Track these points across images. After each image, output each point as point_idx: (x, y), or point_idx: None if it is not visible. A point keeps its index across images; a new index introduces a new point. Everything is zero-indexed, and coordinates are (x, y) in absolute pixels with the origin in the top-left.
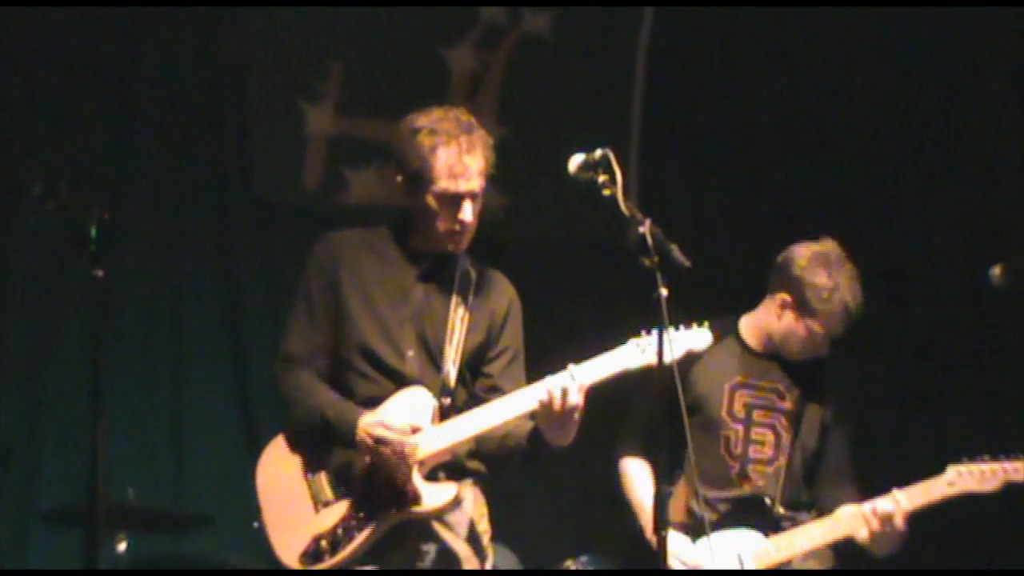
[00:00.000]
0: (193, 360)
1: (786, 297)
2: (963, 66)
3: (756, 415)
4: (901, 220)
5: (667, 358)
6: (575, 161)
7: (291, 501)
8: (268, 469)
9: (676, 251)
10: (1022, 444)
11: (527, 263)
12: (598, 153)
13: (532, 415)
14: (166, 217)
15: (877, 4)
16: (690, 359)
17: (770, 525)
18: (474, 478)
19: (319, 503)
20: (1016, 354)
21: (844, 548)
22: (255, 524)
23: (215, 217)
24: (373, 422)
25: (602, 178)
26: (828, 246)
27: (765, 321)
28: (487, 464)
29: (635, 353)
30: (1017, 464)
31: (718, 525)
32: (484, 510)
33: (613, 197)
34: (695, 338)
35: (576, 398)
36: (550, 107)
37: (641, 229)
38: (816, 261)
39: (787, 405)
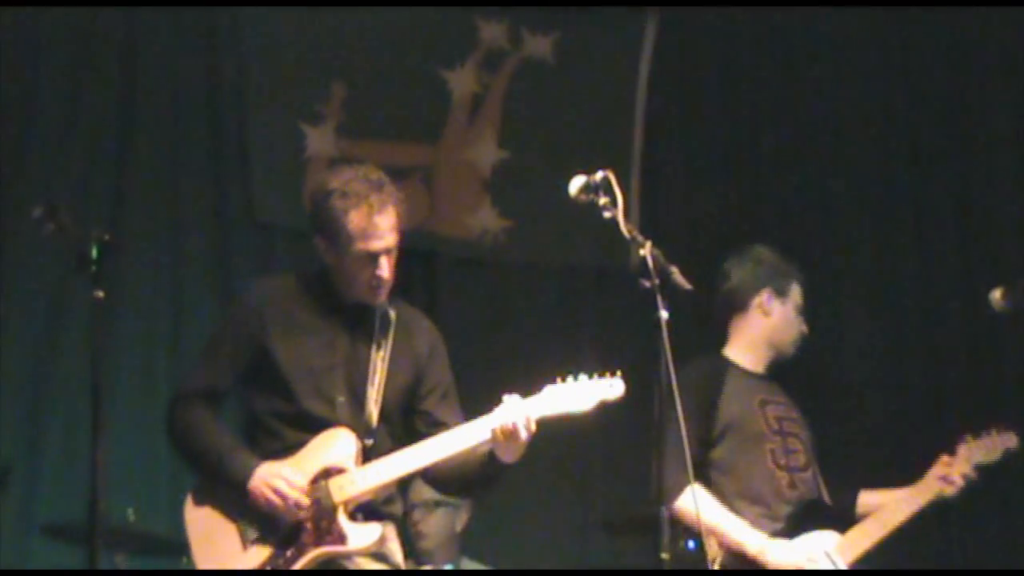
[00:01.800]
0: None
1: (766, 293)
2: (967, 72)
3: (786, 426)
4: (901, 245)
5: (580, 407)
6: (576, 184)
7: (219, 539)
8: (195, 507)
9: (677, 274)
10: None
11: (526, 286)
12: (599, 176)
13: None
14: (166, 238)
15: (882, 22)
16: (720, 378)
17: (829, 524)
18: (394, 522)
19: (247, 540)
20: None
21: None
22: (184, 559)
23: (215, 238)
24: (272, 473)
25: (603, 200)
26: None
27: (754, 335)
28: (447, 493)
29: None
30: (1009, 434)
31: (782, 535)
32: (401, 555)
33: (614, 220)
34: (608, 388)
35: (525, 436)
36: (551, 130)
37: (642, 251)
38: (765, 251)
39: (795, 415)
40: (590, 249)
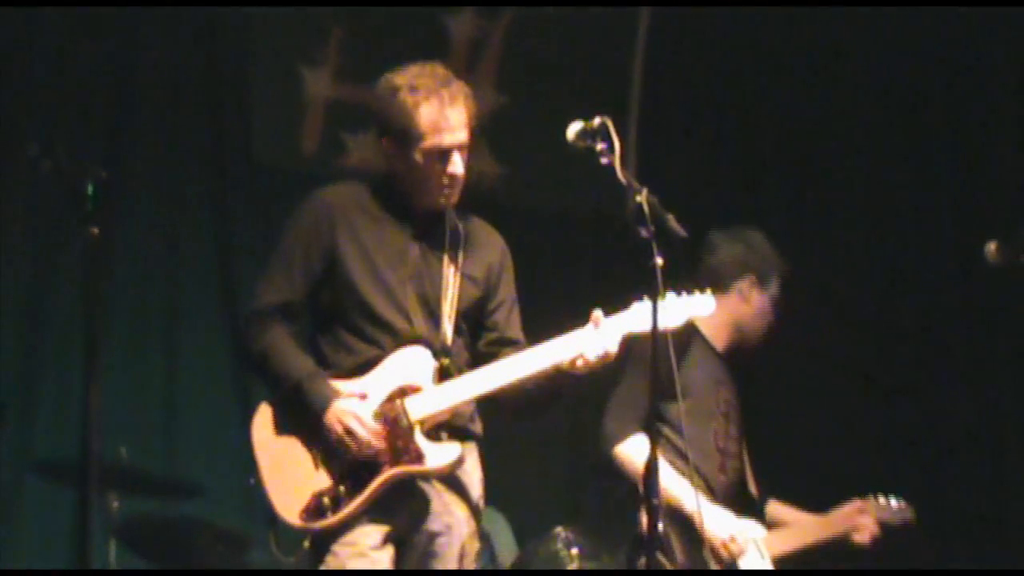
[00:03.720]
0: (188, 321)
1: (749, 280)
2: (968, 20)
3: (731, 412)
4: (900, 197)
5: (672, 323)
6: (573, 129)
7: (289, 458)
8: (264, 426)
9: (673, 221)
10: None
11: (523, 232)
12: (596, 121)
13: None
14: (163, 179)
15: None
16: (688, 340)
17: (751, 517)
18: (475, 441)
19: (318, 460)
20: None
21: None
22: (250, 480)
23: (212, 180)
24: (346, 412)
25: (600, 146)
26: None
27: (726, 317)
28: (510, 414)
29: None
30: (909, 508)
31: None
32: (480, 474)
33: (611, 166)
34: (699, 304)
35: (615, 352)
36: (550, 77)
37: (638, 198)
38: (758, 236)
39: (737, 403)
40: (586, 196)
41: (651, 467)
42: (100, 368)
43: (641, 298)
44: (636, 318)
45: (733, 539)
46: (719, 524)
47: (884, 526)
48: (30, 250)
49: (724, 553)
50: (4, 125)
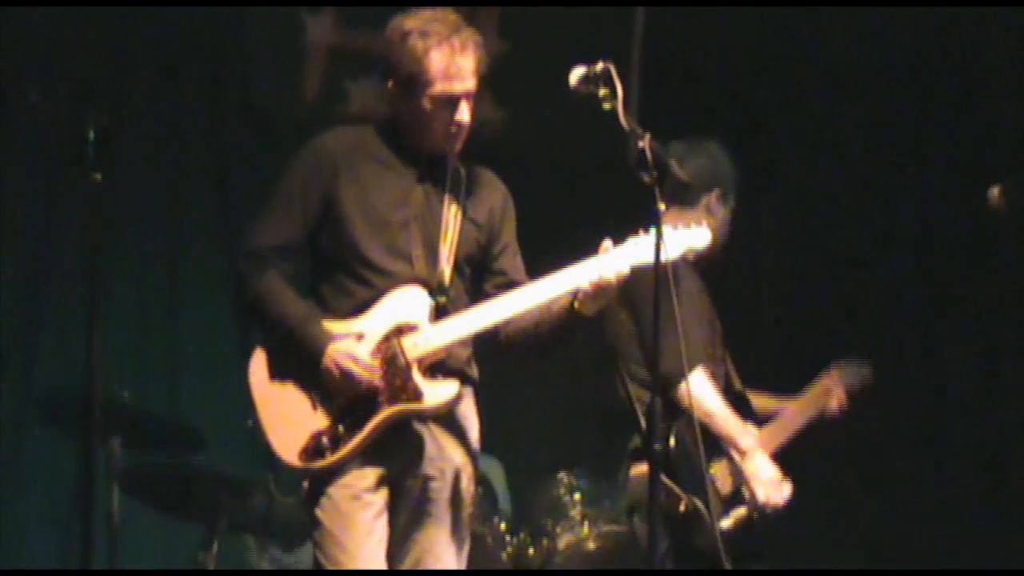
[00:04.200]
0: (189, 267)
1: (715, 194)
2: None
3: (714, 318)
4: (899, 140)
5: (668, 255)
6: (576, 74)
7: (286, 400)
8: (260, 370)
9: (675, 166)
10: None
11: (525, 180)
12: (599, 66)
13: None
14: (164, 125)
15: None
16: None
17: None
18: (472, 385)
19: (316, 400)
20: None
21: None
22: (249, 422)
23: (213, 127)
24: (342, 352)
25: (602, 92)
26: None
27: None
28: (516, 356)
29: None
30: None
31: None
32: (476, 418)
33: (613, 111)
34: (696, 237)
35: (616, 285)
36: (552, 22)
37: (640, 144)
38: (715, 147)
39: (713, 307)
40: (589, 141)
41: (651, 410)
42: (102, 313)
43: (637, 232)
44: (641, 249)
45: (770, 480)
46: (760, 466)
47: (849, 392)
48: (32, 196)
49: (769, 493)
50: (4, 72)
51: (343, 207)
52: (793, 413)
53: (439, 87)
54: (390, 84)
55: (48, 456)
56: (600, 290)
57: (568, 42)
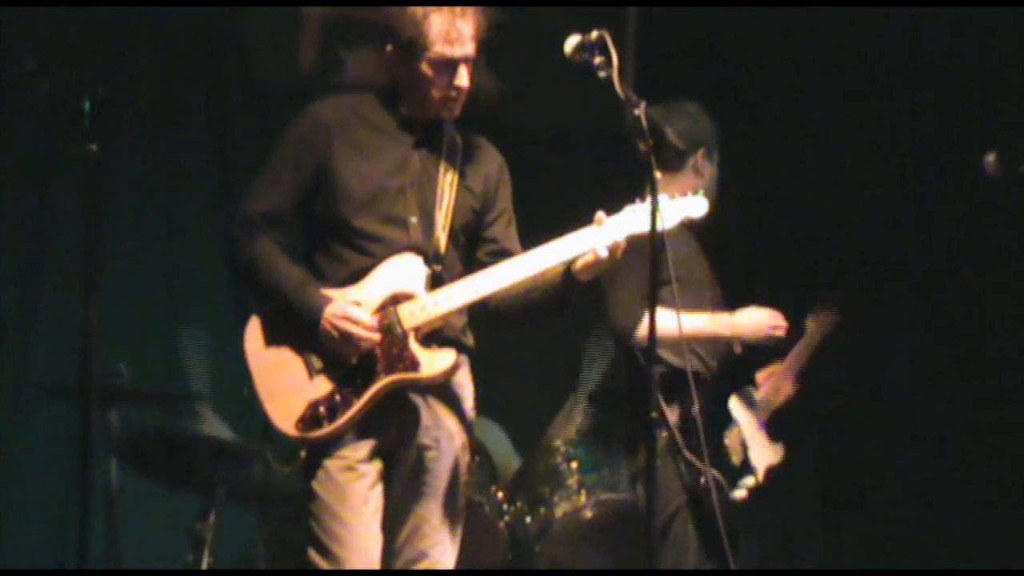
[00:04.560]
0: (187, 238)
1: (701, 153)
2: None
3: (712, 279)
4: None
5: (668, 225)
6: (571, 42)
7: (283, 369)
8: (256, 338)
9: (671, 134)
10: None
11: (519, 146)
12: (594, 35)
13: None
14: (161, 96)
15: None
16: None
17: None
18: (467, 354)
19: (312, 369)
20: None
21: None
22: (245, 391)
23: (210, 98)
24: (340, 314)
25: (598, 60)
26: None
27: (690, 191)
28: (511, 325)
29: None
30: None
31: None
32: (472, 388)
33: (609, 80)
34: (691, 205)
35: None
36: None
37: (636, 112)
38: (694, 107)
39: (710, 267)
40: (584, 110)
41: (649, 379)
42: (99, 284)
43: (634, 200)
44: (636, 219)
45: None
46: (745, 317)
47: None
48: (28, 167)
49: (775, 333)
50: (1, 44)
51: (337, 174)
52: (795, 355)
53: (438, 50)
54: (389, 48)
55: (46, 429)
56: (597, 259)
57: (565, 9)
